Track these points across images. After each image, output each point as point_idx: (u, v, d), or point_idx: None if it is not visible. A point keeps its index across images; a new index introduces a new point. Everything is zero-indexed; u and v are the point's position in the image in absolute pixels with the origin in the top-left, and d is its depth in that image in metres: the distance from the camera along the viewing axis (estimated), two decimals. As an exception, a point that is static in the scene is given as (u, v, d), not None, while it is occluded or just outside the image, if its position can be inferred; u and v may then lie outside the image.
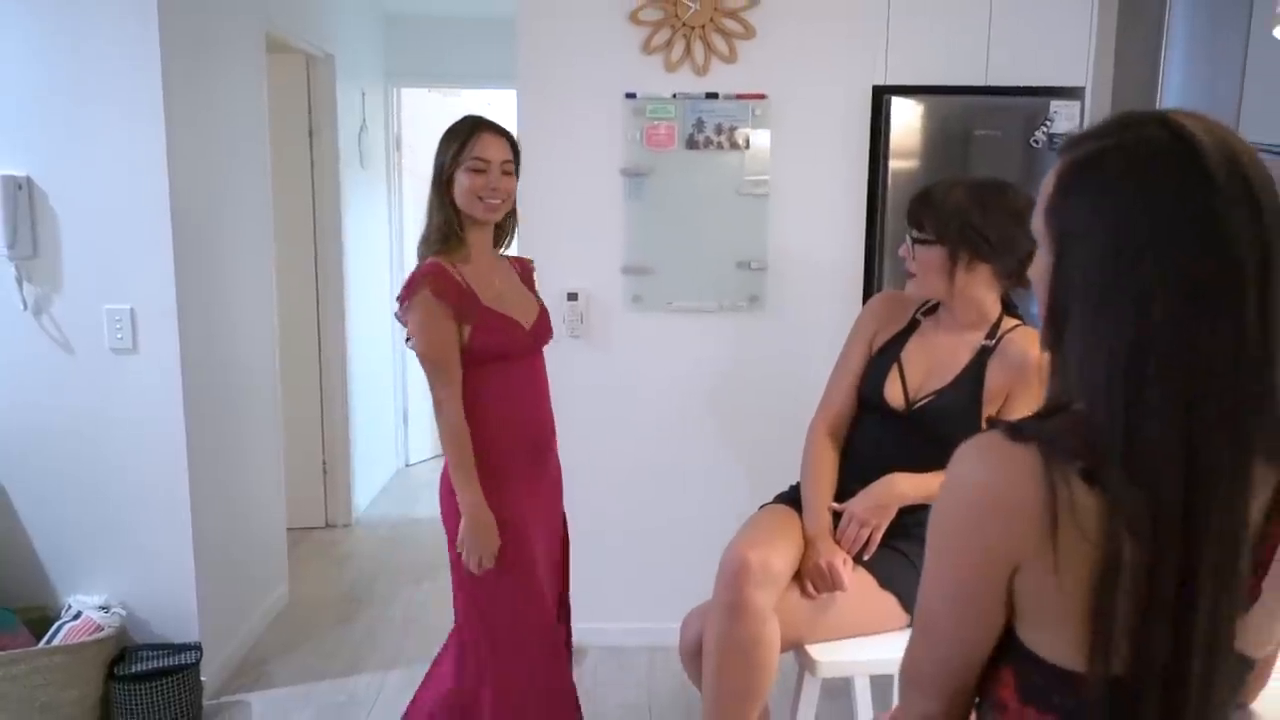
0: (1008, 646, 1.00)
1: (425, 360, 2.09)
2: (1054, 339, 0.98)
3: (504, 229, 2.29)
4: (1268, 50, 3.17)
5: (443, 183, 2.13)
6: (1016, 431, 0.94)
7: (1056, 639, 0.95)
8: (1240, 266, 0.87)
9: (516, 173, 2.20)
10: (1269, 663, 1.12)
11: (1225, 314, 0.88)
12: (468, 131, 2.13)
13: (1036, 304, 1.06)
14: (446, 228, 2.13)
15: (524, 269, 2.38)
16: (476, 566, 2.09)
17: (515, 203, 2.25)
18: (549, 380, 2.31)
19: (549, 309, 2.35)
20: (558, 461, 2.37)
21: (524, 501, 2.18)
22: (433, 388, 2.09)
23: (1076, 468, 0.90)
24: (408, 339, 2.15)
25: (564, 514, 2.42)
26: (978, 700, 1.08)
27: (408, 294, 2.08)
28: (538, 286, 2.39)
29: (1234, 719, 1.10)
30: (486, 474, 2.11)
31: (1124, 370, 0.89)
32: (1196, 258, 0.88)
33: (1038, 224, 1.00)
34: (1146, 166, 0.90)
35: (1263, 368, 0.89)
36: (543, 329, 2.27)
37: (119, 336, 2.71)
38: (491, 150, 2.11)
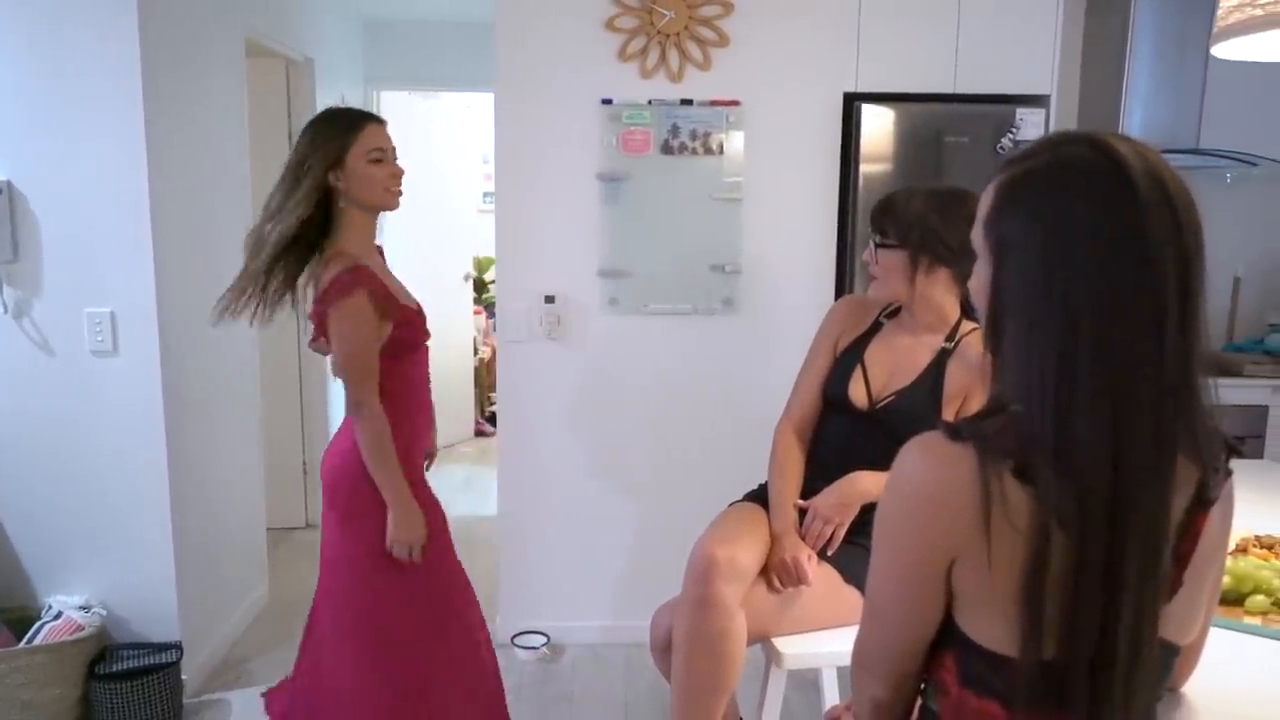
0: (948, 633, 1.06)
1: (352, 362, 2.03)
2: (994, 345, 1.04)
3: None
4: (1228, 62, 3.25)
5: (323, 176, 2.04)
6: (955, 432, 1.00)
7: (991, 626, 1.01)
8: (1163, 277, 0.94)
9: None
10: (1194, 649, 1.18)
11: (1149, 322, 0.94)
12: (356, 122, 2.08)
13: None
14: (303, 216, 2.04)
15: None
16: (408, 556, 2.08)
17: None
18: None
19: (525, 310, 2.37)
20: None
21: (427, 489, 2.20)
22: (354, 390, 2.03)
23: (1009, 465, 0.96)
24: (315, 339, 2.12)
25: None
26: (923, 685, 1.14)
27: (339, 296, 1.99)
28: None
29: (1163, 703, 1.16)
30: (409, 466, 2.11)
31: (1055, 374, 0.95)
32: (1122, 268, 0.94)
33: (977, 237, 1.06)
34: (1075, 182, 0.97)
35: (1184, 372, 0.96)
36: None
37: (99, 339, 2.73)
38: (384, 139, 2.11)
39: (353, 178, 2.06)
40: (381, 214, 2.18)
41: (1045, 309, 0.96)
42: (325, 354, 2.17)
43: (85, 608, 2.78)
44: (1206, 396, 0.98)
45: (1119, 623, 0.96)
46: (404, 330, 2.11)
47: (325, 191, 2.06)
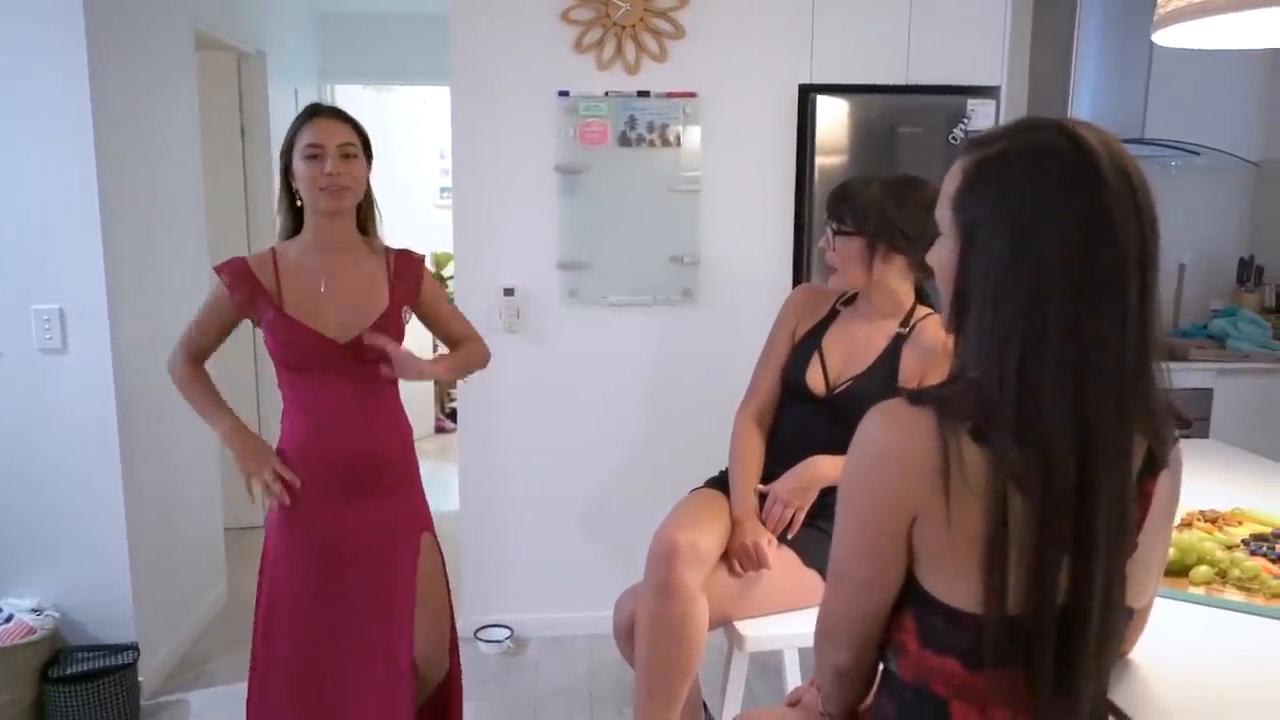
0: (909, 592, 1.09)
1: (190, 323, 2.11)
2: (957, 321, 1.07)
3: (363, 218, 2.10)
4: (1172, 53, 3.32)
5: (284, 174, 2.02)
6: (915, 397, 1.05)
7: (951, 582, 1.04)
8: (1125, 257, 0.98)
9: (368, 156, 2.04)
10: (1144, 614, 1.23)
11: (1111, 300, 0.98)
12: (303, 117, 1.99)
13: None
14: (284, 221, 2.06)
15: (400, 265, 2.13)
16: (265, 492, 1.98)
17: (370, 189, 2.09)
18: (392, 402, 2.13)
19: (484, 303, 2.30)
20: (403, 480, 2.14)
21: (329, 518, 2.03)
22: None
23: (966, 427, 1.00)
24: None
25: (428, 538, 2.16)
26: (883, 649, 1.17)
27: (216, 271, 2.04)
28: (429, 281, 2.21)
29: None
30: (306, 479, 2.01)
31: (1020, 350, 0.98)
32: (1090, 252, 0.98)
33: (944, 213, 1.09)
34: (1047, 167, 1.00)
35: (1142, 351, 1.00)
36: (365, 345, 1.99)
37: (48, 337, 2.68)
38: (324, 134, 1.95)
39: (296, 175, 2.00)
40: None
41: (1014, 288, 0.99)
42: None
43: (37, 610, 2.73)
44: (1160, 374, 1.03)
45: (1092, 584, 1.00)
46: (273, 343, 2.00)
47: (294, 190, 2.04)
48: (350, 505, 2.05)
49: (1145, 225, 0.99)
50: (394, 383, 2.11)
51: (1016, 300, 0.98)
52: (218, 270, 2.04)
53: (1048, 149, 1.00)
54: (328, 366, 2.00)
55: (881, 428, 1.05)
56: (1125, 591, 1.04)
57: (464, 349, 2.26)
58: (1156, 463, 1.06)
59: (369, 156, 2.06)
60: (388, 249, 2.15)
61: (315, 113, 2.01)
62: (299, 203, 2.05)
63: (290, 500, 2.02)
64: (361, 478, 2.05)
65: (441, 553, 2.20)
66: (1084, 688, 1.03)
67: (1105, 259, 0.97)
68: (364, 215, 2.10)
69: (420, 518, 2.17)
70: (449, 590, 2.21)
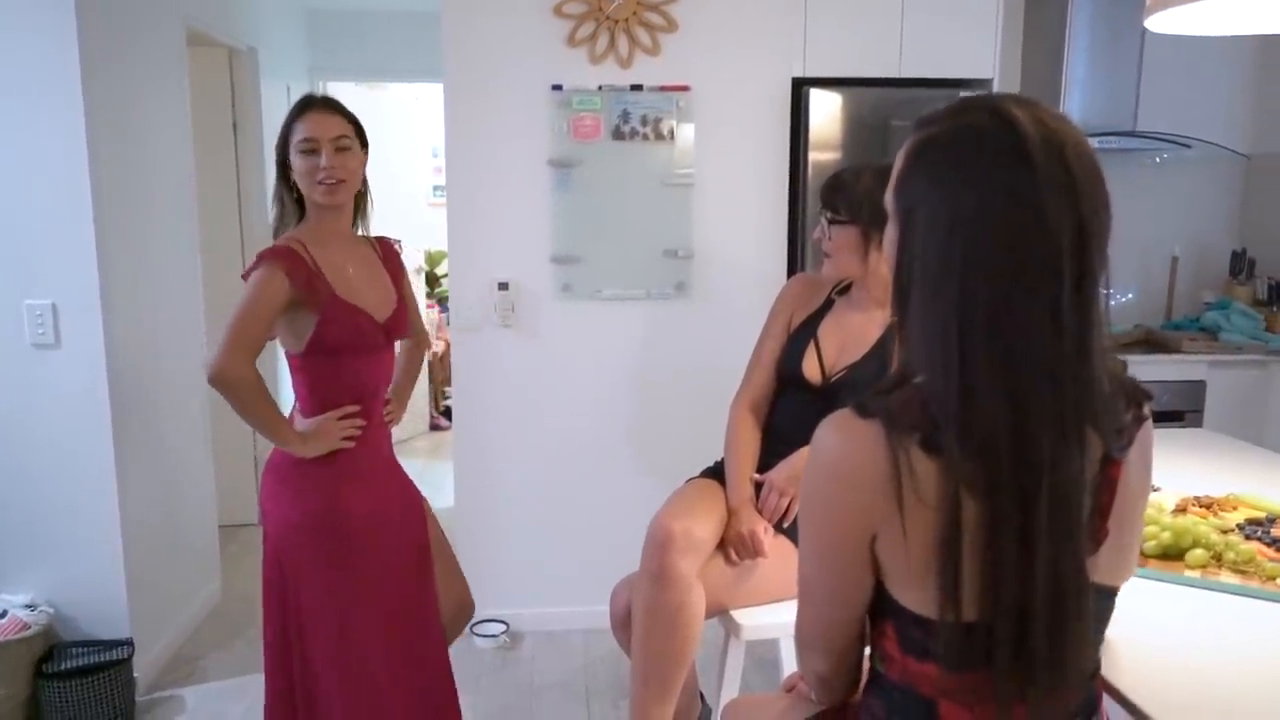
0: (883, 603, 1.08)
1: (231, 325, 1.95)
2: (900, 312, 1.04)
3: (358, 209, 2.13)
4: (1164, 43, 3.34)
5: (281, 169, 2.02)
6: (863, 409, 1.01)
7: (917, 593, 1.03)
8: (1056, 245, 0.94)
9: (364, 147, 2.06)
10: None
11: (1043, 290, 0.95)
12: (297, 110, 2.00)
13: None
14: (283, 210, 2.05)
15: (386, 250, 2.20)
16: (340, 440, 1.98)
17: (365, 180, 2.11)
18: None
19: (478, 298, 2.32)
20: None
21: (371, 500, 2.05)
22: (220, 354, 1.95)
23: (916, 439, 0.97)
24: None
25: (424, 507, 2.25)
26: (870, 652, 1.16)
27: (253, 266, 1.95)
28: (406, 267, 2.27)
29: (1105, 650, 1.19)
30: (333, 470, 2.00)
31: (956, 342, 0.96)
32: (1015, 235, 0.94)
33: (888, 200, 1.07)
34: (972, 150, 0.97)
35: (1080, 336, 0.96)
36: (397, 324, 2.10)
37: (40, 331, 2.67)
38: (319, 128, 1.95)
39: (293, 168, 1.99)
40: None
41: (945, 278, 0.97)
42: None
43: (31, 606, 2.72)
44: (1109, 362, 1.00)
45: (1035, 580, 0.97)
46: (332, 329, 1.96)
47: (291, 186, 2.04)
48: (384, 486, 2.12)
49: (1083, 210, 0.94)
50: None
51: (948, 292, 0.96)
52: (270, 258, 1.93)
53: (978, 131, 0.97)
54: (372, 349, 2.05)
55: (832, 441, 1.03)
56: (1081, 583, 1.00)
57: (411, 362, 2.32)
58: (1112, 456, 1.03)
59: (364, 146, 2.07)
60: (369, 237, 2.20)
61: (309, 105, 2.01)
62: (297, 194, 2.05)
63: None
64: (386, 459, 2.15)
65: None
66: (1048, 680, 1.00)
67: (1034, 245, 0.94)
68: (359, 205, 2.13)
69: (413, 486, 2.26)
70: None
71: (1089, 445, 0.99)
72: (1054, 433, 0.96)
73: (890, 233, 1.06)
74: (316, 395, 2.04)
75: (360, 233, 2.17)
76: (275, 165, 2.05)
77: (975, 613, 0.98)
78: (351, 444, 2.02)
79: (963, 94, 3.07)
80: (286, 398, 2.34)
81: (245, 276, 1.97)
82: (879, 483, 0.98)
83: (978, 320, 0.95)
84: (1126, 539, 1.09)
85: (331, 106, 2.02)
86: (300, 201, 2.06)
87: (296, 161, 1.97)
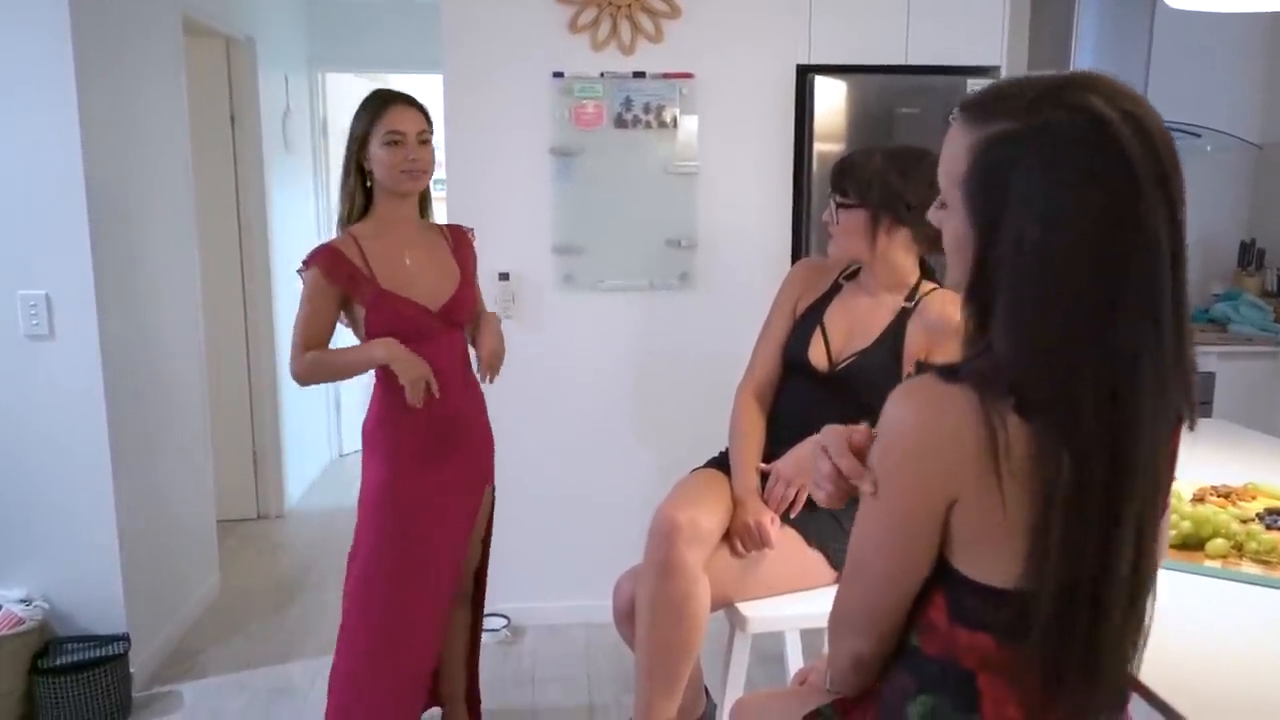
0: (939, 573, 1.04)
1: (295, 327, 2.15)
2: (978, 310, 1.01)
3: (424, 198, 2.28)
4: (1173, 31, 3.31)
5: (355, 158, 2.16)
6: (949, 373, 0.98)
7: (994, 562, 0.99)
8: (1155, 235, 0.93)
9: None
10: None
11: (1145, 280, 0.93)
12: (379, 105, 2.13)
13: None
14: (354, 202, 2.19)
15: (458, 238, 2.33)
16: (424, 387, 2.08)
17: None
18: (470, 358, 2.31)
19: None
20: (482, 438, 2.35)
21: (428, 481, 2.20)
22: (291, 352, 2.16)
23: (1010, 403, 0.94)
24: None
25: (489, 491, 2.41)
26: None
27: (305, 266, 2.15)
28: (477, 256, 2.37)
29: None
30: (391, 452, 2.19)
31: (1059, 348, 0.93)
32: (1120, 240, 0.92)
33: (950, 191, 1.03)
34: (1064, 151, 0.94)
35: (1178, 322, 0.95)
36: (456, 308, 2.22)
37: (34, 323, 2.63)
38: (406, 122, 2.11)
39: (375, 161, 2.13)
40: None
41: (1044, 282, 0.94)
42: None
43: (26, 601, 2.68)
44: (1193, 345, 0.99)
45: (1121, 548, 0.96)
46: (377, 318, 2.11)
47: (363, 176, 2.18)
48: (439, 466, 2.22)
49: (1174, 196, 0.94)
50: (467, 348, 2.30)
51: (1047, 298, 0.94)
52: (307, 263, 2.14)
53: (1067, 130, 0.93)
54: (425, 335, 2.15)
55: (914, 408, 0.99)
56: (1156, 556, 1.00)
57: (490, 324, 2.33)
58: (1181, 420, 1.03)
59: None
60: (439, 225, 2.35)
61: (394, 100, 2.15)
62: (368, 184, 2.19)
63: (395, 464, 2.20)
64: (451, 437, 2.23)
65: (494, 496, 2.44)
66: (1111, 662, 0.99)
67: (1136, 247, 0.92)
68: (424, 196, 2.29)
69: (489, 472, 2.39)
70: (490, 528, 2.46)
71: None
72: (1152, 412, 0.95)
73: (958, 226, 1.02)
74: (383, 378, 2.19)
75: (428, 220, 2.31)
76: (347, 161, 2.18)
77: (1056, 583, 0.96)
78: (418, 403, 2.09)
79: (969, 82, 3.07)
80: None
81: (302, 270, 2.16)
82: (970, 449, 0.94)
83: (1082, 316, 0.93)
84: (1167, 515, 1.09)
85: (414, 103, 2.17)
86: (358, 194, 2.20)
87: (381, 153, 2.11)
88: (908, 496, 1.01)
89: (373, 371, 2.21)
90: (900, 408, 1.00)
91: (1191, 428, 1.04)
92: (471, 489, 2.32)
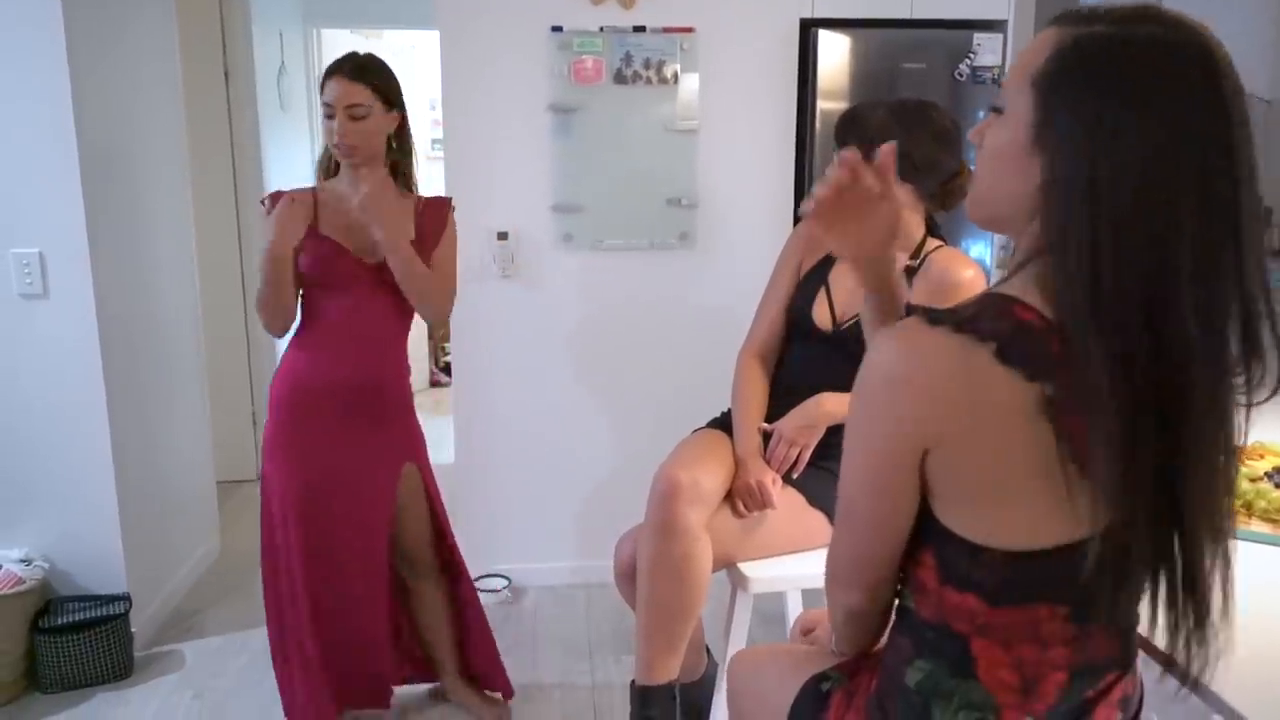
0: (926, 528, 1.03)
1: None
2: (1053, 232, 0.93)
3: (398, 168, 2.22)
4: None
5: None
6: (932, 316, 0.96)
7: (974, 515, 0.97)
8: (1242, 184, 0.88)
9: (394, 108, 2.15)
10: None
11: (1233, 233, 0.88)
12: (325, 74, 2.12)
13: (972, 201, 1.05)
14: (326, 162, 2.22)
15: (429, 206, 2.25)
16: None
17: (408, 141, 2.24)
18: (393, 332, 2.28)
19: (478, 248, 2.36)
20: (396, 412, 2.27)
21: (326, 451, 2.17)
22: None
23: (991, 348, 0.92)
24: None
25: (411, 468, 2.30)
26: (900, 586, 1.11)
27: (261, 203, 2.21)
28: (453, 228, 2.29)
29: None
30: (286, 408, 2.17)
31: (1147, 287, 0.88)
32: (1218, 176, 0.88)
33: (1019, 91, 0.95)
34: (1170, 67, 0.88)
35: (1259, 265, 0.91)
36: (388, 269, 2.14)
37: (28, 281, 2.60)
38: (336, 94, 2.07)
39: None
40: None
41: (1134, 213, 0.88)
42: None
43: (26, 561, 2.68)
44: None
45: (1139, 503, 0.92)
46: (306, 257, 2.12)
47: None
48: (342, 434, 2.18)
49: (1250, 140, 0.89)
50: (407, 319, 2.28)
51: (1135, 232, 0.87)
52: (262, 201, 2.21)
53: (1176, 45, 0.88)
54: (355, 285, 2.14)
55: (894, 349, 0.97)
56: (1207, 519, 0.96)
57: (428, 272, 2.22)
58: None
59: (394, 106, 2.15)
60: (419, 196, 2.27)
61: (333, 71, 2.10)
62: None
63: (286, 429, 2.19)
64: (357, 404, 2.18)
65: (427, 475, 2.34)
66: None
67: (1230, 185, 0.87)
68: (399, 164, 2.23)
69: (405, 448, 2.29)
70: (436, 504, 2.37)
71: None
72: (1209, 390, 0.91)
73: (1014, 129, 0.95)
74: (301, 332, 2.20)
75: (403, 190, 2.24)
76: (324, 117, 2.16)
77: (1051, 539, 0.94)
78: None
79: (976, 36, 3.01)
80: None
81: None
82: (947, 392, 0.92)
83: (1181, 266, 0.87)
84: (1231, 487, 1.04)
85: (355, 73, 2.08)
86: (323, 154, 2.22)
87: (322, 122, 2.12)
88: (883, 435, 0.99)
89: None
90: (880, 350, 0.98)
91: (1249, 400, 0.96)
92: (384, 463, 2.24)
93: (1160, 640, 1.01)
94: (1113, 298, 0.88)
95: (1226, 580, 0.98)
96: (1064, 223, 0.91)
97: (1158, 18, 0.91)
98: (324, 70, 2.13)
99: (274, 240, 2.07)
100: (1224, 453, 0.95)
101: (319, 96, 2.14)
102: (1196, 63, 0.88)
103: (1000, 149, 0.98)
